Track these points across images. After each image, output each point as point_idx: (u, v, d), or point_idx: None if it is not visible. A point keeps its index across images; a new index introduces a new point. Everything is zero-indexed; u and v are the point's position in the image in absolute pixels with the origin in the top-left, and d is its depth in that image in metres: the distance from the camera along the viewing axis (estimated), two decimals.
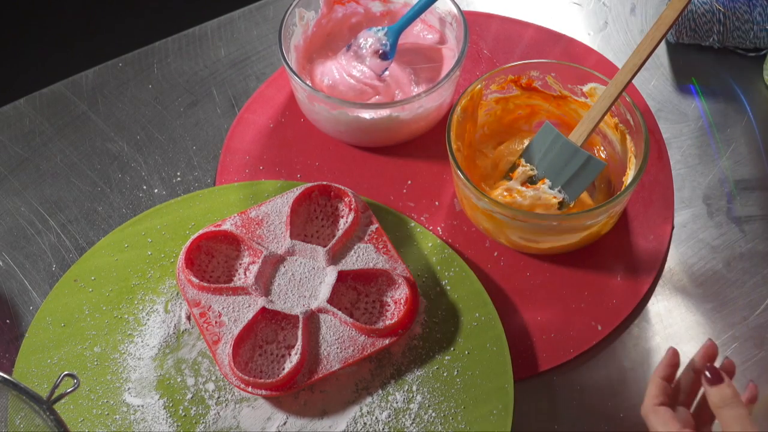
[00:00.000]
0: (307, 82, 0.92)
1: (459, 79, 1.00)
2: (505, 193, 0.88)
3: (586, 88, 0.91)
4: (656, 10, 1.08)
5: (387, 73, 0.98)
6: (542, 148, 0.89)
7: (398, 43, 0.99)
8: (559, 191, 0.87)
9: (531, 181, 0.89)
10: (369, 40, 0.97)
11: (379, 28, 0.98)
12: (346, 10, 1.02)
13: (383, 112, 0.92)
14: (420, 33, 1.02)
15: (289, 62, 0.93)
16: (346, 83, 0.96)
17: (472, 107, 0.92)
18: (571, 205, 0.88)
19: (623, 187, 0.86)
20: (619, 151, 0.91)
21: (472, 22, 1.07)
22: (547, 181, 0.88)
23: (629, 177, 0.87)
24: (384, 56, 0.97)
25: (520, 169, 0.89)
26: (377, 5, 1.02)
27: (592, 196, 0.92)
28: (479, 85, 0.91)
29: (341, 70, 0.97)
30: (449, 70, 0.93)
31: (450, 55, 0.99)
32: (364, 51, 0.97)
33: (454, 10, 0.96)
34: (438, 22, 1.01)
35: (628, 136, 0.89)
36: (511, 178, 0.90)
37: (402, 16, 1.02)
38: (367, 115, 0.93)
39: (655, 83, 1.03)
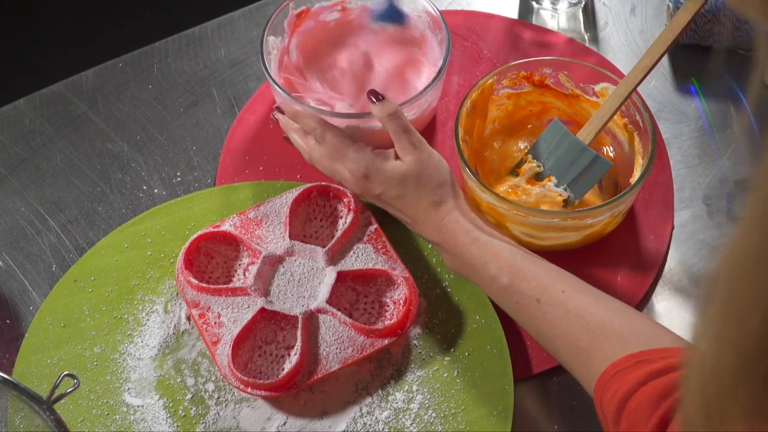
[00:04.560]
0: (293, 95, 0.91)
1: (459, 80, 1.00)
2: (510, 190, 0.88)
3: (598, 88, 0.91)
4: (656, 10, 1.08)
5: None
6: (550, 145, 0.89)
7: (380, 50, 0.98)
8: (565, 189, 0.87)
9: (537, 177, 0.89)
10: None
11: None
12: (308, 30, 0.99)
13: (354, 122, 0.91)
14: (400, 43, 1.00)
15: (276, 80, 0.91)
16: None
17: (483, 101, 0.92)
18: (576, 204, 0.88)
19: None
20: (628, 151, 0.91)
21: (472, 22, 1.07)
22: (553, 178, 0.88)
23: (635, 178, 0.87)
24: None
25: (526, 166, 0.89)
26: (335, 14, 1.00)
27: (599, 195, 0.92)
28: (491, 80, 0.90)
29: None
30: (433, 76, 0.91)
31: (436, 60, 0.97)
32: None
33: (431, 10, 0.95)
34: (419, 25, 0.99)
35: (636, 137, 0.89)
36: (517, 174, 0.90)
37: (363, 21, 0.99)
38: (367, 125, 0.91)
39: (655, 83, 1.02)
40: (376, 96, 0.85)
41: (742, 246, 0.44)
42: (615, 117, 0.89)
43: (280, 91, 0.90)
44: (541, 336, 0.77)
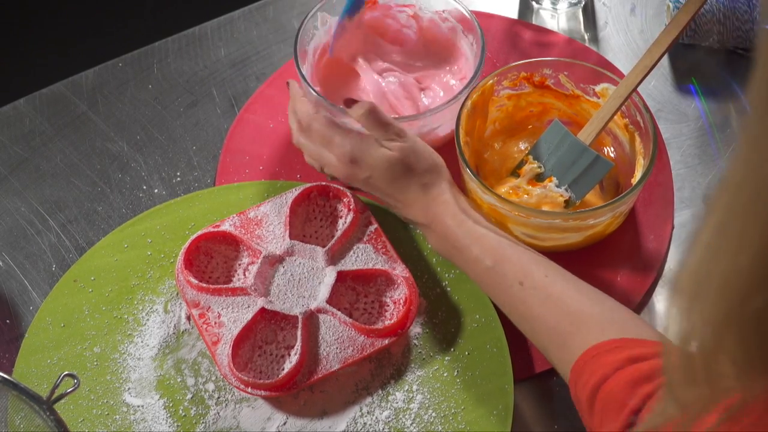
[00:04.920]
0: (317, 88, 0.90)
1: None
2: (511, 191, 0.88)
3: (598, 88, 0.91)
4: (656, 10, 1.08)
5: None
6: (550, 145, 0.89)
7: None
8: (566, 190, 0.87)
9: (538, 178, 0.89)
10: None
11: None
12: (372, 20, 0.99)
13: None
14: (432, 48, 1.00)
15: (301, 68, 0.91)
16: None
17: (483, 102, 0.92)
18: (577, 204, 0.88)
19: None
20: (629, 152, 0.91)
21: None
22: (554, 179, 0.88)
23: (636, 179, 0.87)
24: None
25: (527, 167, 0.89)
26: (403, 17, 0.99)
27: (600, 196, 0.92)
28: (491, 81, 0.90)
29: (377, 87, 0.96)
30: (464, 86, 0.91)
31: (465, 66, 0.97)
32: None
33: (469, 18, 0.95)
34: (452, 33, 0.99)
35: (637, 138, 0.89)
36: (518, 175, 0.90)
37: (428, 29, 0.99)
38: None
39: (655, 83, 1.03)
40: (351, 101, 0.86)
41: (734, 183, 0.43)
42: (616, 117, 0.89)
43: (298, 68, 0.90)
44: (521, 318, 0.78)
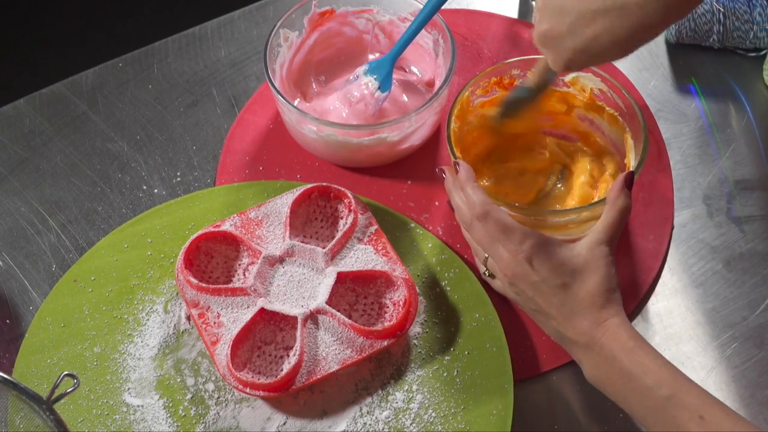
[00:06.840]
0: (294, 103, 0.91)
1: (459, 80, 1.00)
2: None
3: (567, 78, 0.91)
4: None
5: (385, 103, 0.97)
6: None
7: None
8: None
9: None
10: (361, 87, 0.96)
11: (369, 65, 0.96)
12: (330, 30, 1.00)
13: (374, 135, 0.91)
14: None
15: (275, 83, 0.92)
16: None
17: (463, 114, 0.92)
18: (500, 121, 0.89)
19: None
20: (625, 152, 0.91)
21: (472, 22, 1.07)
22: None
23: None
24: (380, 97, 0.96)
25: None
26: (361, 23, 1.00)
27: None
28: (467, 93, 0.90)
29: (340, 110, 0.96)
30: (438, 87, 0.91)
31: (440, 70, 0.98)
32: (358, 96, 0.96)
33: (441, 23, 0.95)
34: (426, 38, 0.99)
35: (630, 139, 0.89)
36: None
37: (389, 31, 1.00)
38: (354, 139, 0.92)
39: (655, 83, 1.03)
40: (443, 171, 0.86)
41: None
42: (615, 117, 0.89)
43: (273, 89, 0.90)
44: None
